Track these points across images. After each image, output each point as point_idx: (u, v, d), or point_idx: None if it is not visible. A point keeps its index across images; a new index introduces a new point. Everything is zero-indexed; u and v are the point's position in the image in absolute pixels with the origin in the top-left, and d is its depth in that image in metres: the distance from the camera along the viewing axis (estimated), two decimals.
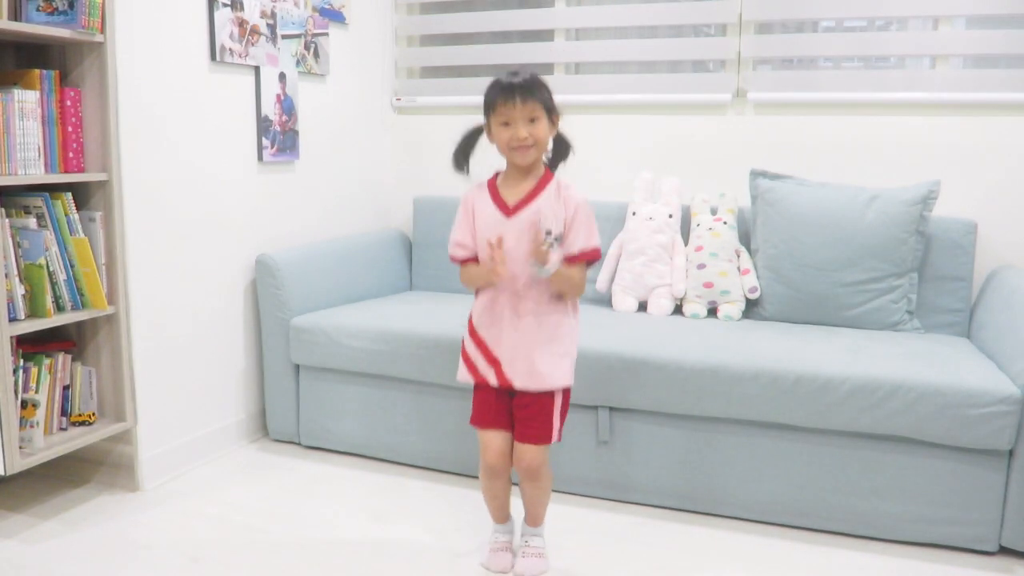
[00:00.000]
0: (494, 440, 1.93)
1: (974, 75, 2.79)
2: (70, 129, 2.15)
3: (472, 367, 1.94)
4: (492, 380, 1.91)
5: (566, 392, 1.94)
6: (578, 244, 1.86)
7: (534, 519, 2.04)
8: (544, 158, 1.92)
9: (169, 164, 2.44)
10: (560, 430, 1.93)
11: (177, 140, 2.46)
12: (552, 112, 1.86)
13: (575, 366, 1.95)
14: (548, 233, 1.77)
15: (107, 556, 2.04)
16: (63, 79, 2.18)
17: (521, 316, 1.87)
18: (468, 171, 1.95)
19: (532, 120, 1.82)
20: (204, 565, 2.01)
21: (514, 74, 1.84)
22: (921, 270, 2.63)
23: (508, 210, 1.87)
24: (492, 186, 1.92)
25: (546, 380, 1.88)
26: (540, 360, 1.87)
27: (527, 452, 1.91)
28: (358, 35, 3.27)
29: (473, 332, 1.94)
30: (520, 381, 1.88)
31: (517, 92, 1.80)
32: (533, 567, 1.99)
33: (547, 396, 1.90)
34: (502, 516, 2.06)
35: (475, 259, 1.92)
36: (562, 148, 1.94)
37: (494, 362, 1.90)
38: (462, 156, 1.93)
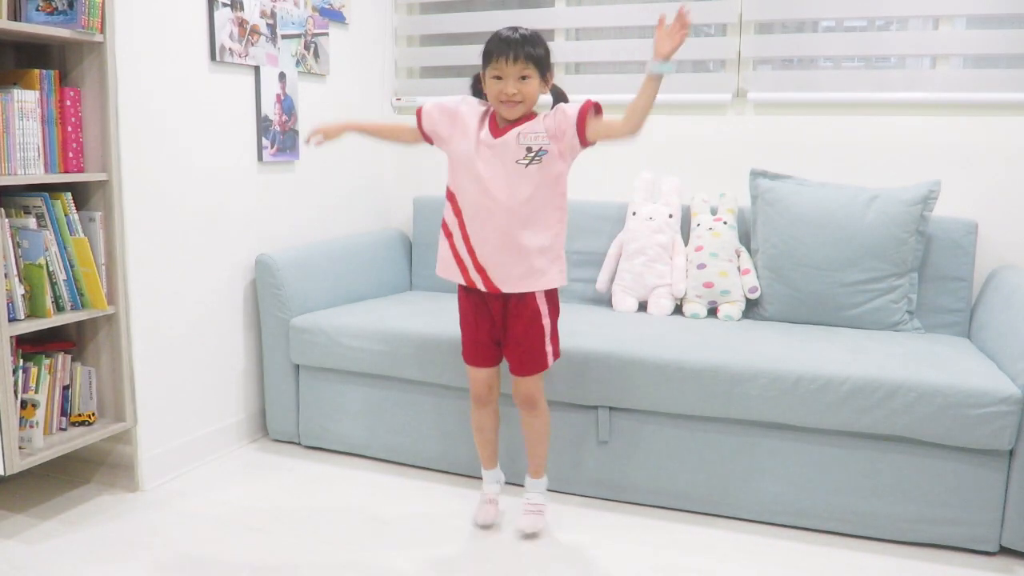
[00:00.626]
0: (481, 374, 2.11)
1: (974, 75, 2.79)
2: (70, 129, 2.15)
3: (463, 268, 2.03)
4: (480, 285, 2.01)
5: (553, 304, 2.07)
6: (580, 107, 1.95)
7: (536, 466, 2.18)
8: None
9: (169, 164, 2.44)
10: (556, 351, 2.10)
11: (177, 140, 2.46)
12: (547, 70, 1.94)
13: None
14: (529, 150, 1.93)
15: (107, 556, 2.04)
16: (63, 79, 2.18)
17: (511, 226, 1.96)
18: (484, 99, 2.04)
19: (523, 78, 1.90)
20: (204, 565, 2.01)
21: (514, 29, 1.92)
22: (921, 270, 2.63)
23: (497, 132, 1.97)
24: (490, 115, 2.02)
25: (532, 284, 2.00)
26: (529, 265, 1.98)
27: (524, 383, 2.08)
28: (358, 35, 3.27)
29: (465, 235, 2.02)
30: (505, 284, 1.99)
31: (511, 48, 1.88)
32: (533, 523, 2.14)
33: (537, 325, 2.04)
34: (491, 458, 2.21)
35: (421, 134, 2.08)
36: (557, 102, 2.02)
37: (480, 269, 2.00)
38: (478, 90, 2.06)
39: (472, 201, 2.00)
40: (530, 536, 2.13)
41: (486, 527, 2.18)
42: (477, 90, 2.05)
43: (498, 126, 1.98)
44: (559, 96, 2.03)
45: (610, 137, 1.94)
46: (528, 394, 2.10)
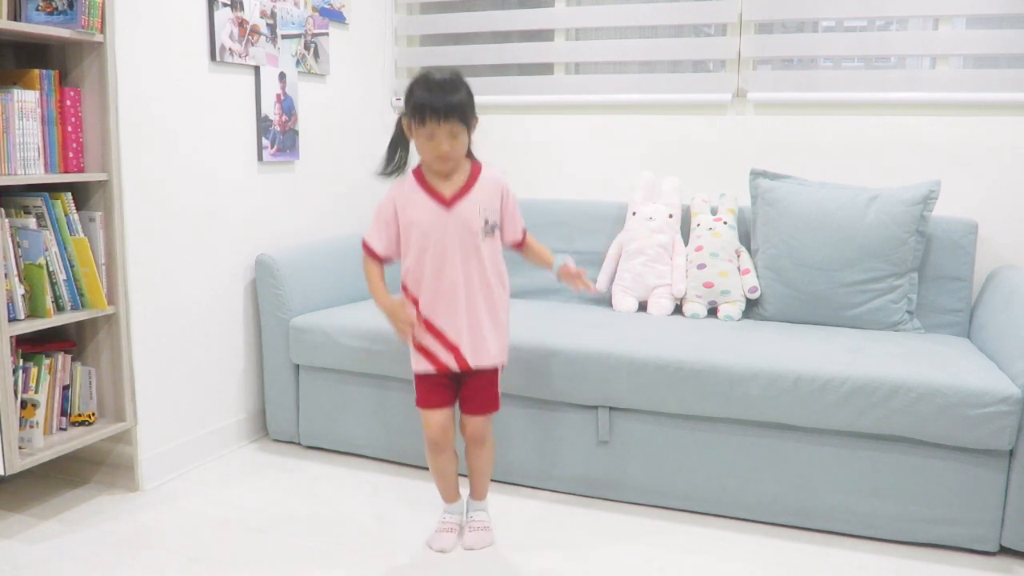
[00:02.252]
0: (437, 417, 2.04)
1: (974, 75, 2.79)
2: (70, 129, 2.15)
3: (431, 357, 2.00)
4: (453, 366, 2.00)
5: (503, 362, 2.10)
6: (520, 227, 2.07)
7: (480, 491, 2.17)
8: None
9: (169, 164, 2.44)
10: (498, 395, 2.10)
11: (177, 140, 2.46)
12: (472, 118, 1.92)
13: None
14: (486, 222, 1.94)
15: (107, 556, 2.04)
16: (63, 79, 2.18)
17: (472, 299, 1.97)
18: (403, 167, 2.01)
19: (454, 135, 1.88)
20: (204, 565, 2.01)
21: (441, 83, 1.86)
22: (921, 270, 2.63)
23: (447, 202, 1.94)
24: (422, 181, 1.96)
25: (495, 357, 2.03)
26: (491, 337, 2.01)
27: (474, 422, 2.07)
28: (358, 35, 3.27)
29: (426, 323, 1.98)
30: (476, 360, 2.00)
31: (442, 111, 1.84)
32: (480, 540, 2.11)
33: (492, 370, 2.05)
34: (451, 494, 2.16)
35: (384, 259, 2.02)
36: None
37: (452, 348, 1.99)
38: (398, 162, 2.00)
39: (431, 279, 1.95)
40: (478, 550, 2.09)
41: (442, 552, 2.08)
42: (400, 133, 1.98)
43: (442, 193, 1.93)
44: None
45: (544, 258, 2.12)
46: (477, 433, 2.08)
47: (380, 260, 2.03)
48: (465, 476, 2.18)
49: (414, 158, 2.00)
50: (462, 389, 2.06)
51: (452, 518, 2.16)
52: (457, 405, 2.08)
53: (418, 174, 1.98)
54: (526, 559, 2.06)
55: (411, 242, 1.97)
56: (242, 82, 2.70)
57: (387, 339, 2.53)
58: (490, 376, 2.05)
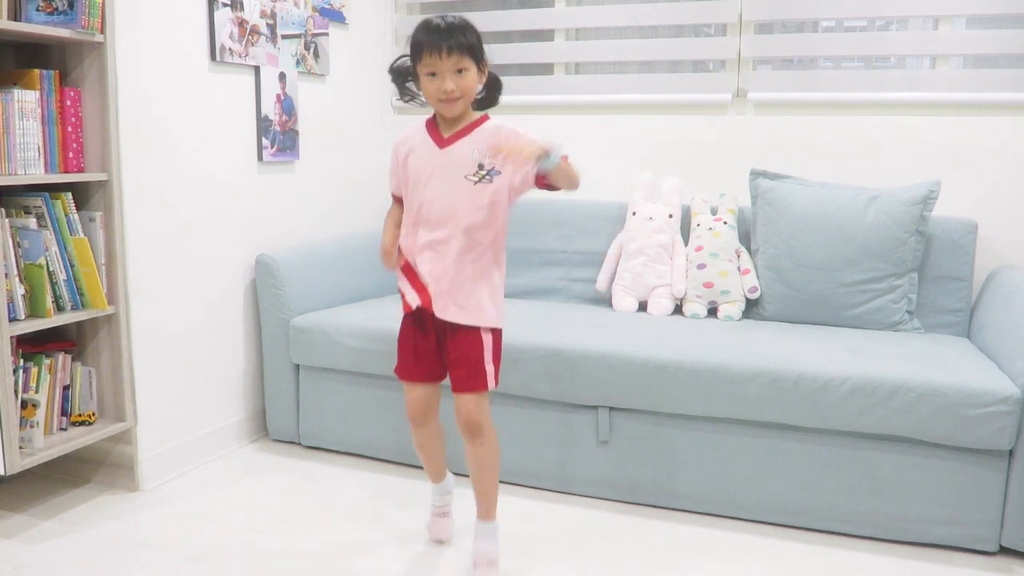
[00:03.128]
0: (415, 391, 1.95)
1: (974, 75, 2.79)
2: (70, 129, 2.15)
3: (402, 295, 1.93)
4: (415, 302, 1.87)
5: (496, 335, 1.91)
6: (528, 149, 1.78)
7: (485, 508, 1.96)
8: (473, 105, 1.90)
9: (169, 164, 2.44)
10: (496, 375, 1.90)
11: (177, 140, 2.46)
12: (482, 60, 1.83)
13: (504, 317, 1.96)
14: (480, 167, 1.80)
15: (107, 556, 2.04)
16: (63, 79, 2.18)
17: (457, 247, 1.84)
18: (418, 97, 1.93)
19: (460, 71, 1.77)
20: (204, 565, 2.01)
21: (442, 18, 1.79)
22: (921, 270, 2.63)
23: (442, 141, 1.85)
24: (429, 123, 1.91)
25: (473, 316, 1.86)
26: (470, 292, 1.85)
27: (464, 402, 1.87)
28: (358, 35, 3.27)
29: (407, 266, 1.92)
30: (442, 311, 1.85)
31: (444, 42, 1.74)
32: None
33: (475, 337, 1.86)
34: (437, 472, 2.08)
35: (398, 200, 1.98)
36: (493, 90, 1.91)
37: (422, 289, 1.88)
38: (403, 89, 1.94)
39: (419, 221, 1.88)
40: None
41: (441, 543, 2.10)
42: (400, 82, 1.91)
43: (441, 134, 1.86)
44: (494, 84, 1.91)
45: (564, 170, 1.80)
46: (470, 416, 1.87)
47: (400, 203, 1.99)
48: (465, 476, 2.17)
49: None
50: (446, 357, 1.91)
51: (441, 500, 2.10)
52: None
53: (430, 121, 1.91)
54: (526, 559, 2.06)
55: (408, 184, 1.91)
56: (242, 82, 2.70)
57: (387, 339, 2.53)
58: (473, 341, 1.86)
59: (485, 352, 1.88)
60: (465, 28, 1.79)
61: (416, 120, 1.96)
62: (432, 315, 1.87)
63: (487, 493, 1.96)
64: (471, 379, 1.87)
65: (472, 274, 1.86)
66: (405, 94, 1.96)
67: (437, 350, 1.93)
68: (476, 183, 1.82)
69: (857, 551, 2.11)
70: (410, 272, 1.92)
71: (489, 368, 1.89)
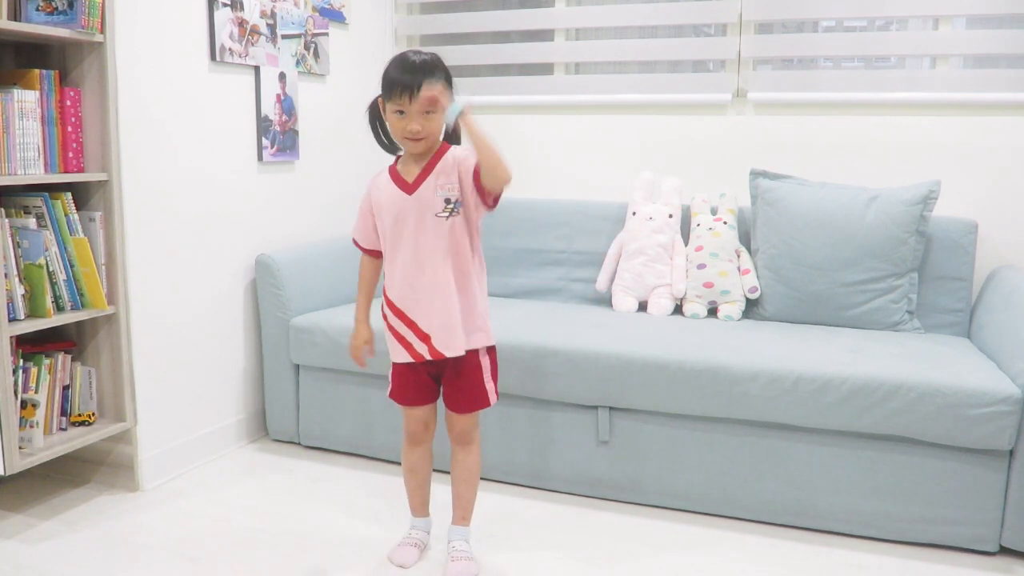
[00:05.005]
0: (418, 413, 1.99)
1: (974, 75, 2.79)
2: (70, 129, 2.15)
3: (407, 345, 1.92)
4: (427, 355, 1.90)
5: (492, 352, 1.97)
6: (471, 167, 1.82)
7: (462, 514, 2.03)
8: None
9: (169, 164, 2.44)
10: (496, 390, 1.98)
11: (177, 140, 2.46)
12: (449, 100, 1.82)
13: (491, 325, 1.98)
14: (447, 201, 1.83)
15: (107, 556, 2.04)
16: (63, 79, 2.18)
17: (443, 286, 1.86)
18: (393, 145, 1.94)
19: (427, 112, 1.78)
20: (204, 565, 2.01)
21: (417, 62, 1.77)
22: (921, 270, 2.63)
23: (408, 187, 1.86)
24: (392, 170, 1.92)
25: (470, 343, 1.90)
26: (465, 324, 1.88)
27: (463, 421, 1.98)
28: (358, 35, 3.27)
29: (398, 312, 1.92)
30: (449, 349, 1.88)
31: (413, 82, 1.75)
32: (465, 570, 1.96)
33: (474, 363, 1.93)
34: (420, 505, 2.08)
35: (373, 252, 1.99)
36: (459, 130, 1.87)
37: (424, 337, 1.89)
38: (382, 138, 1.94)
39: (402, 267, 1.88)
40: None
41: (402, 567, 2.01)
42: (375, 117, 1.91)
43: (406, 180, 1.86)
44: (455, 132, 1.89)
45: (492, 183, 1.78)
46: (464, 429, 1.98)
47: (367, 252, 2.01)
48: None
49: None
50: (444, 381, 1.96)
51: (417, 533, 2.07)
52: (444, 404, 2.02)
53: (392, 167, 1.92)
54: (525, 560, 2.06)
55: (384, 231, 1.91)
56: (242, 82, 2.70)
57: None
58: (473, 367, 1.93)
59: (484, 373, 1.95)
60: (436, 68, 1.79)
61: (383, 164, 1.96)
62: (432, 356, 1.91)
63: (467, 499, 2.03)
64: (472, 402, 1.96)
65: (466, 303, 1.89)
66: (381, 143, 1.95)
67: (434, 381, 1.98)
68: (447, 219, 1.84)
69: (857, 551, 2.11)
70: (405, 319, 1.91)
71: (489, 386, 1.97)
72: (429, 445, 2.04)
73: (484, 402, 1.96)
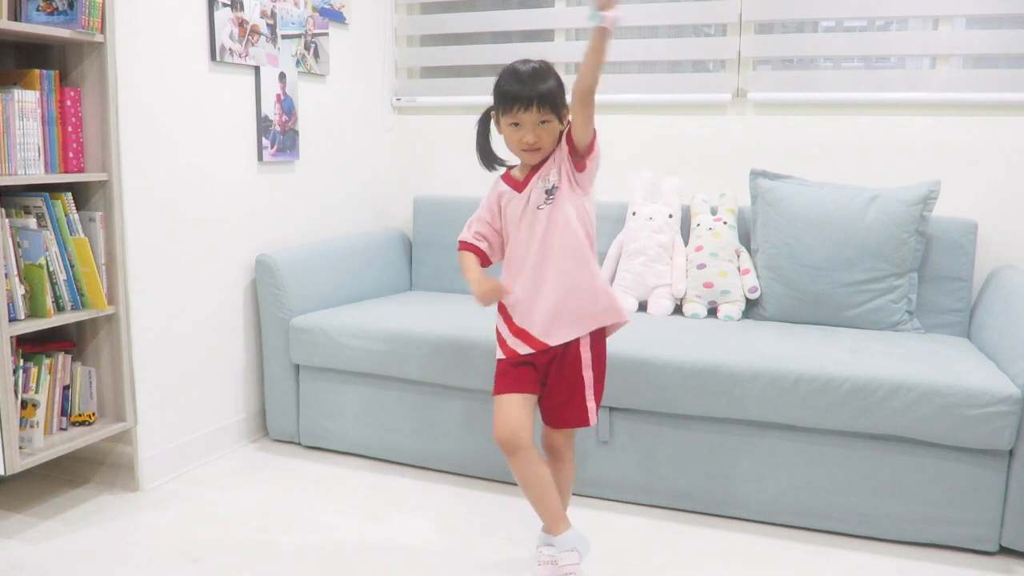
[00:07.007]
0: (511, 405, 1.84)
1: (974, 75, 2.79)
2: (70, 129, 2.15)
3: (502, 341, 1.91)
4: (521, 349, 1.87)
5: (599, 369, 1.91)
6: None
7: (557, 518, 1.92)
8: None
9: (169, 164, 2.44)
10: (596, 412, 1.91)
11: (177, 140, 2.46)
12: (563, 107, 1.83)
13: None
14: (547, 192, 1.82)
15: (107, 556, 2.04)
16: (63, 79, 2.18)
17: (553, 284, 1.83)
18: (499, 164, 1.93)
19: (542, 122, 1.78)
20: (204, 565, 2.01)
21: (529, 71, 1.78)
22: (921, 270, 2.63)
23: (519, 185, 1.87)
24: (507, 175, 1.92)
25: (577, 331, 1.85)
26: (575, 318, 1.85)
27: (558, 437, 1.95)
28: (358, 35, 3.27)
29: (511, 324, 1.89)
30: (552, 338, 1.85)
31: (528, 96, 1.76)
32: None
33: (578, 377, 1.87)
34: (549, 515, 1.88)
35: (476, 249, 1.94)
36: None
37: (531, 339, 1.86)
38: (487, 153, 1.92)
39: (519, 263, 1.87)
40: None
41: None
42: (485, 126, 1.91)
43: (517, 178, 1.88)
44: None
45: (582, 115, 1.75)
46: (557, 448, 1.95)
47: (473, 251, 1.93)
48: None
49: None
50: (545, 391, 1.90)
51: (548, 550, 1.93)
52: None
53: (507, 172, 1.92)
54: (525, 558, 2.06)
55: (507, 234, 1.90)
56: (242, 82, 2.70)
57: (387, 339, 2.53)
58: (576, 380, 1.87)
59: (586, 390, 1.89)
60: (547, 75, 1.80)
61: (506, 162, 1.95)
62: (538, 355, 1.87)
63: (561, 501, 1.94)
64: (572, 420, 1.91)
65: (572, 300, 1.84)
66: (484, 157, 1.93)
67: (539, 373, 1.90)
68: (548, 203, 1.82)
69: (857, 551, 2.11)
70: (519, 333, 1.88)
71: (590, 404, 1.89)
72: (532, 449, 1.85)
73: (583, 420, 1.90)
